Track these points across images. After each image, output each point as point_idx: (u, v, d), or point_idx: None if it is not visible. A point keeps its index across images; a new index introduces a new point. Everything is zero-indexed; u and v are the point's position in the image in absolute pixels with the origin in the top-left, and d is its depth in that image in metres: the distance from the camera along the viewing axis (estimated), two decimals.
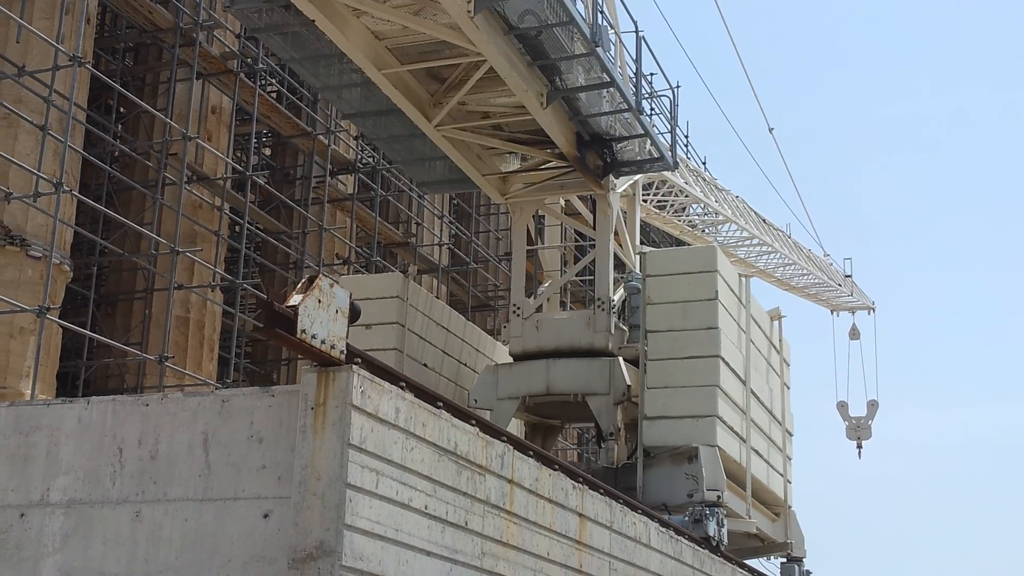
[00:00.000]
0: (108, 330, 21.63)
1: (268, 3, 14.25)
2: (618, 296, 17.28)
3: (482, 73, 14.91)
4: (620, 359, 16.27)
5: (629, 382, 15.98)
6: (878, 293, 76.91)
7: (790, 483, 19.34)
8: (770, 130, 34.16)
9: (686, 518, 14.46)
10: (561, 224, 20.14)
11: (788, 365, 20.12)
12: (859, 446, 41.96)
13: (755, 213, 31.45)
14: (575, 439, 36.36)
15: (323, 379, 7.34)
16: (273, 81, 26.69)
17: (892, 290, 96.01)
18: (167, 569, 7.48)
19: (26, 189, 17.28)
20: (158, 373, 19.75)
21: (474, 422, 8.79)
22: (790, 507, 19.27)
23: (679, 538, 12.82)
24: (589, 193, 17.56)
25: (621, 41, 16.71)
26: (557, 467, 10.08)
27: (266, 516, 7.36)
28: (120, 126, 22.86)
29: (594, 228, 17.55)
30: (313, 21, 13.88)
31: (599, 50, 14.71)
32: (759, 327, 18.38)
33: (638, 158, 17.29)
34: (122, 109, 23.81)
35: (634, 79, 16.39)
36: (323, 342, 7.23)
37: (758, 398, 17.58)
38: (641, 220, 20.35)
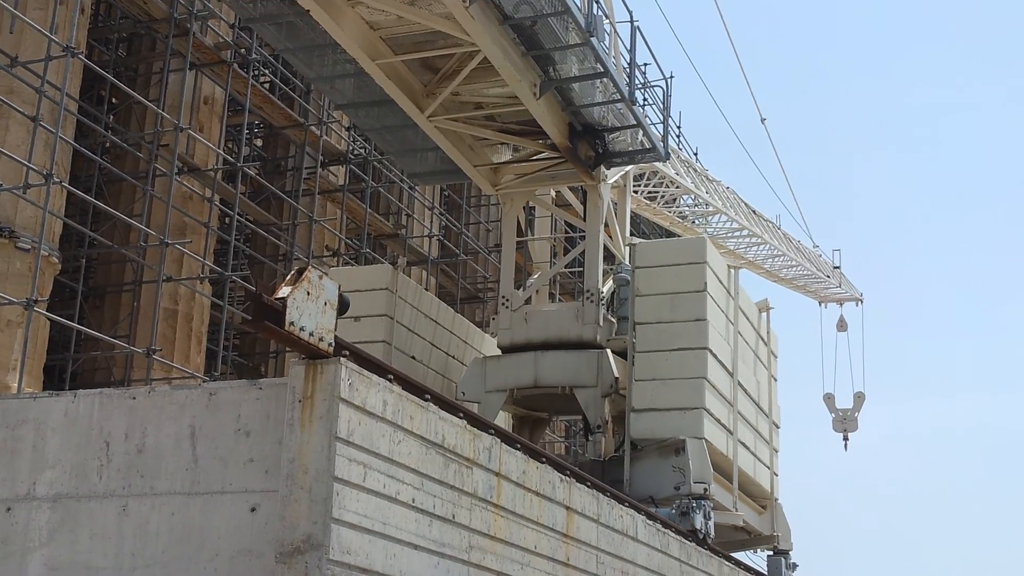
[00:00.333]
0: (96, 323, 21.58)
1: None
2: (607, 288, 17.29)
3: (476, 63, 14.92)
4: (608, 351, 16.28)
5: (617, 374, 15.99)
6: (866, 285, 77.02)
7: (777, 476, 19.37)
8: (762, 121, 34.21)
9: (673, 511, 14.48)
10: (551, 215, 20.14)
11: (776, 357, 20.15)
12: (845, 438, 42.00)
13: (745, 204, 31.46)
14: (563, 432, 36.37)
15: (311, 372, 7.35)
16: (266, 72, 26.65)
17: (880, 282, 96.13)
18: (154, 563, 7.49)
19: (16, 180, 17.22)
20: (146, 366, 19.70)
21: (462, 415, 8.81)
22: (777, 500, 19.31)
23: (666, 531, 12.85)
24: (580, 184, 17.56)
25: (616, 31, 16.72)
26: (544, 460, 10.10)
27: (253, 510, 7.37)
28: (112, 117, 22.80)
29: (584, 219, 17.55)
30: (308, 11, 13.87)
31: (594, 40, 14.70)
32: (747, 319, 18.39)
33: (630, 149, 17.30)
34: (114, 100, 23.76)
35: (628, 69, 16.38)
36: (311, 334, 7.24)
37: (745, 390, 17.60)
38: (631, 211, 20.34)
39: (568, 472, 10.52)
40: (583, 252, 17.40)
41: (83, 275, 22.40)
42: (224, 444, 7.56)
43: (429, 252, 30.00)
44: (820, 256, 38.28)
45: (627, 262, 16.78)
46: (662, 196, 27.82)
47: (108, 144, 22.55)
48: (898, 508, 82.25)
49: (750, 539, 18.78)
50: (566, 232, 29.93)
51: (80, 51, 18.39)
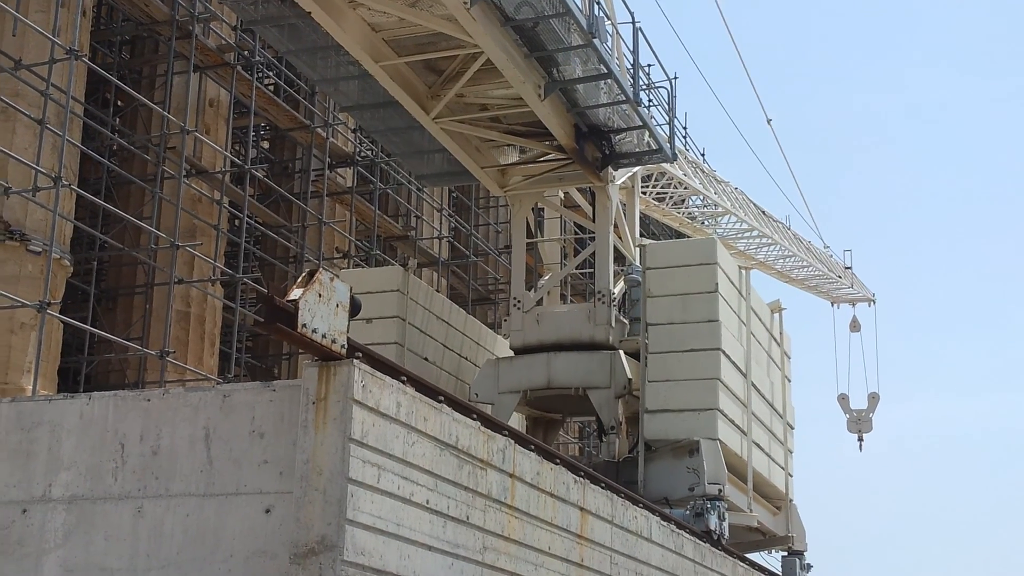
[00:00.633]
0: (109, 325, 21.61)
1: None
2: (618, 289, 17.28)
3: (479, 65, 14.91)
4: (621, 352, 16.27)
5: (630, 375, 15.98)
6: (878, 285, 76.97)
7: (791, 476, 19.33)
8: (768, 121, 34.22)
9: (687, 512, 14.45)
10: (560, 217, 20.14)
11: (789, 358, 20.11)
12: (860, 439, 41.98)
13: (754, 205, 31.42)
14: (576, 433, 36.35)
15: (324, 373, 7.34)
16: (270, 74, 26.66)
17: (893, 282, 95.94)
18: (169, 565, 7.48)
19: (25, 184, 17.25)
20: (159, 368, 19.73)
21: (475, 416, 8.79)
22: (791, 500, 19.27)
23: (680, 532, 12.82)
24: (588, 185, 17.55)
25: (618, 32, 16.74)
26: (558, 461, 10.08)
27: (268, 511, 7.36)
28: (118, 120, 22.82)
29: (593, 221, 17.54)
30: (309, 13, 13.86)
31: (596, 41, 14.70)
32: (759, 320, 18.37)
33: (637, 150, 17.29)
34: (119, 103, 23.77)
35: (632, 70, 16.38)
36: (324, 336, 7.23)
37: (759, 391, 17.57)
38: (640, 212, 20.32)
39: (582, 473, 10.50)
40: (593, 253, 17.38)
41: (95, 278, 22.43)
42: (238, 446, 7.55)
43: (439, 254, 30.01)
44: (831, 256, 38.25)
45: (638, 263, 16.76)
46: (671, 197, 27.79)
47: (115, 147, 22.57)
48: (913, 508, 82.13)
49: (765, 540, 18.75)
50: (576, 233, 29.92)
51: (83, 54, 18.41)
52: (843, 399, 41.94)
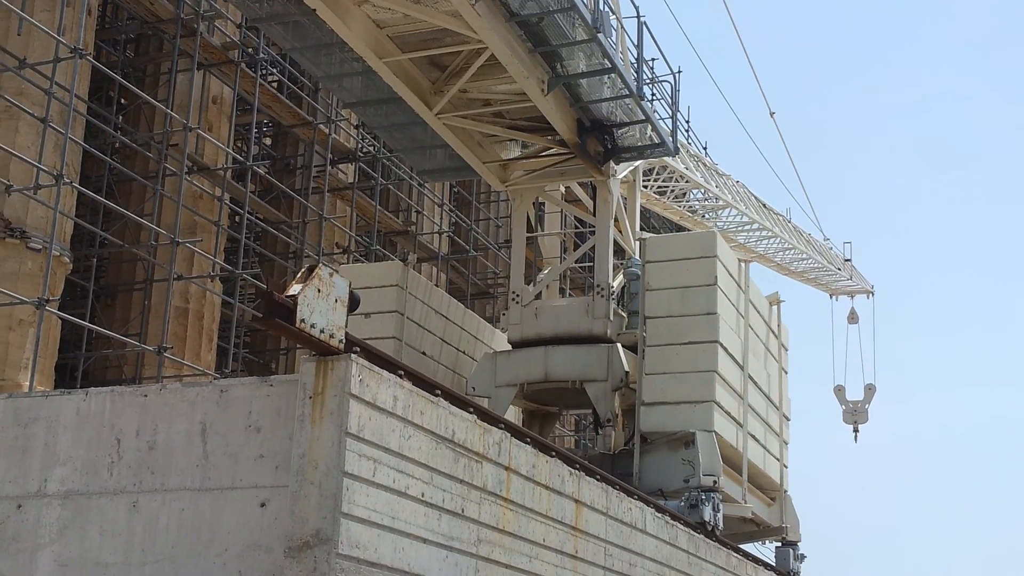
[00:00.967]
0: (107, 321, 21.66)
1: None
2: (617, 282, 17.32)
3: (483, 60, 14.95)
4: (618, 345, 16.30)
5: (627, 368, 16.02)
6: (878, 277, 76.91)
7: (786, 467, 19.38)
8: (771, 114, 34.20)
9: (682, 503, 14.51)
10: (561, 211, 20.17)
11: (786, 350, 20.15)
12: (856, 430, 42.10)
13: (755, 198, 31.44)
14: (573, 425, 36.42)
15: (322, 368, 7.39)
16: (274, 71, 26.70)
17: (892, 274, 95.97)
18: (164, 559, 7.54)
19: (26, 181, 17.31)
20: (157, 364, 19.77)
21: (472, 410, 8.85)
22: (786, 491, 19.31)
23: (675, 523, 12.88)
24: (589, 179, 17.58)
25: (623, 26, 16.73)
26: (554, 454, 10.14)
27: (263, 505, 7.42)
28: (121, 117, 22.87)
29: (594, 215, 17.58)
30: (314, 10, 13.92)
31: (600, 36, 14.73)
32: (758, 312, 18.41)
33: (639, 144, 17.30)
34: (123, 100, 23.83)
35: (635, 64, 16.40)
36: (322, 331, 7.29)
37: (756, 383, 17.61)
38: (641, 206, 20.37)
39: (577, 465, 10.55)
40: (593, 247, 17.43)
41: (94, 274, 22.49)
42: (235, 440, 7.61)
43: (439, 248, 30.06)
44: (831, 249, 38.28)
45: (637, 256, 16.80)
46: (672, 191, 27.82)
47: (118, 144, 22.63)
48: (907, 499, 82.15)
49: (759, 531, 18.80)
50: (576, 227, 29.94)
51: (88, 52, 18.47)
52: (839, 390, 42.05)
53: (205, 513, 7.53)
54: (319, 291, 7.31)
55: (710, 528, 14.46)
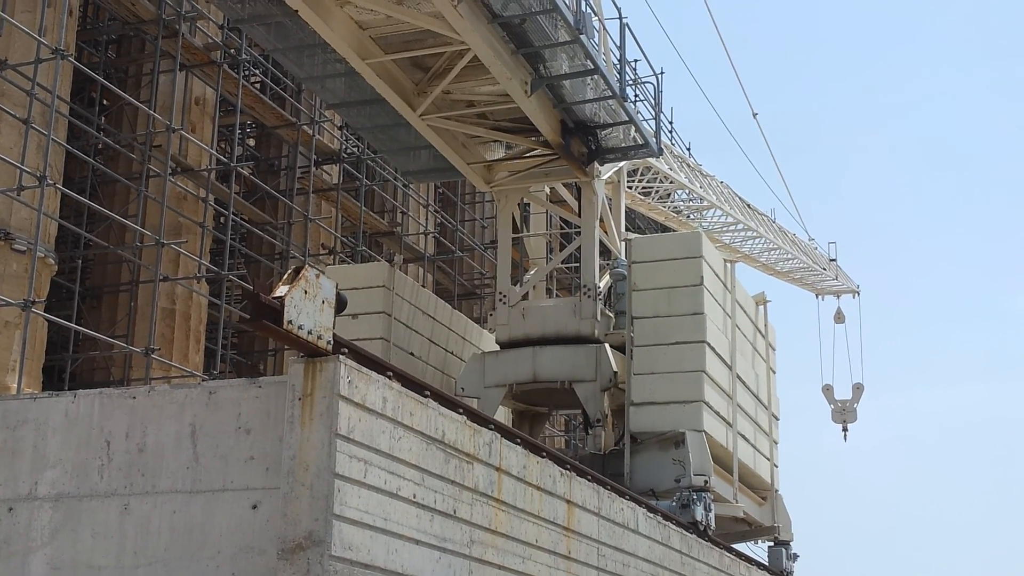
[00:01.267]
0: (94, 323, 21.57)
1: None
2: (604, 283, 17.32)
3: (466, 62, 14.93)
4: (606, 346, 16.30)
5: (616, 368, 16.02)
6: (863, 277, 77.11)
7: (776, 467, 19.41)
8: (754, 115, 34.24)
9: (674, 503, 14.53)
10: (546, 212, 20.17)
11: (773, 349, 20.20)
12: (844, 429, 42.25)
13: (740, 198, 31.48)
14: (562, 426, 36.40)
15: (310, 370, 7.36)
16: (257, 72, 26.60)
17: (878, 273, 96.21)
18: (156, 561, 7.50)
19: (9, 183, 17.23)
20: (144, 366, 19.69)
21: (461, 410, 8.82)
22: (777, 491, 19.35)
23: (667, 523, 12.87)
24: (574, 180, 17.57)
25: (605, 28, 16.76)
26: (545, 454, 10.11)
27: (255, 507, 7.39)
28: (103, 119, 22.78)
29: (579, 215, 17.57)
30: (296, 11, 13.87)
31: (583, 37, 14.72)
32: (744, 312, 18.43)
33: (623, 145, 17.32)
34: (105, 101, 23.72)
35: (618, 66, 16.41)
36: (310, 333, 7.26)
37: (744, 383, 17.64)
38: (626, 207, 20.36)
39: (568, 466, 10.53)
40: (579, 248, 17.42)
41: (80, 276, 22.39)
42: (225, 442, 7.57)
43: (425, 249, 30.01)
44: (816, 249, 38.36)
45: (623, 257, 16.80)
46: (656, 191, 27.83)
47: (101, 145, 22.54)
48: (897, 497, 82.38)
49: (751, 530, 18.83)
50: (562, 228, 29.93)
51: (69, 53, 18.37)
52: (828, 390, 42.19)
53: (197, 515, 7.49)
54: (306, 292, 7.28)
55: (702, 528, 14.46)
